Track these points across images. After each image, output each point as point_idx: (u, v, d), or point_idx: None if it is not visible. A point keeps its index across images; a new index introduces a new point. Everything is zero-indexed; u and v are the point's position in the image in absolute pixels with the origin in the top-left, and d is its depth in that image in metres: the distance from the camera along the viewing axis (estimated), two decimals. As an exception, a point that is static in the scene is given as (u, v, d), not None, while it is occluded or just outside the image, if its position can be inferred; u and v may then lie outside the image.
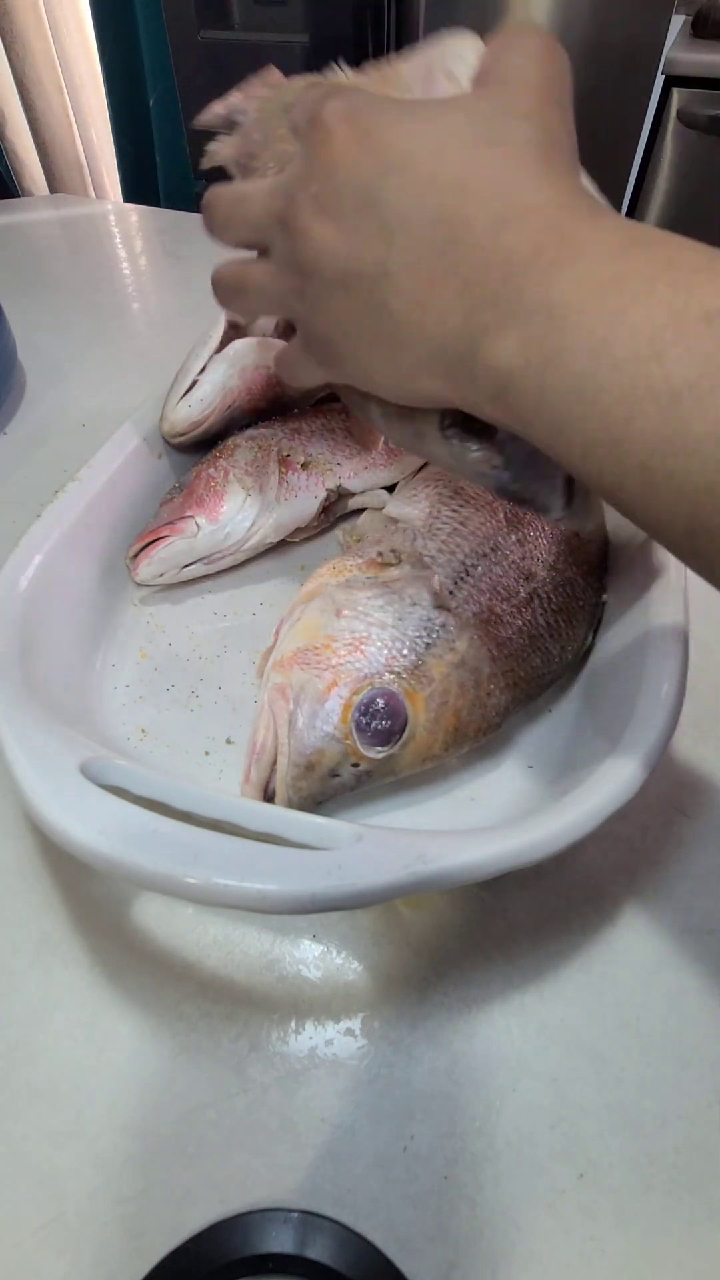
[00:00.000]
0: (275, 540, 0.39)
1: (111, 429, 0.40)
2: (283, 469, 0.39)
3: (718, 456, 0.15)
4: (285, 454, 0.40)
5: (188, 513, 0.37)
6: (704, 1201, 0.21)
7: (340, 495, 0.41)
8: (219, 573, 0.39)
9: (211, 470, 0.38)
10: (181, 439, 0.40)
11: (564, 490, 0.26)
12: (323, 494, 0.40)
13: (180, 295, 0.75)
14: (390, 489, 0.41)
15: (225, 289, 0.28)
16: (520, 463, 0.26)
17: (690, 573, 0.30)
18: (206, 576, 0.39)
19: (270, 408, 0.44)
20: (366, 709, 0.27)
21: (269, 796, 0.27)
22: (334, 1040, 0.24)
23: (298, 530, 0.40)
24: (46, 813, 0.21)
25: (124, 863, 0.20)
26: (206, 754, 0.31)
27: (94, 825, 0.21)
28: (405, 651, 0.29)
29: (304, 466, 0.40)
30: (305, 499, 0.39)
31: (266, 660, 0.30)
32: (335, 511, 0.41)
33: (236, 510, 0.37)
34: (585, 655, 0.33)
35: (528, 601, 0.32)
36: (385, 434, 0.31)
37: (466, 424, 0.27)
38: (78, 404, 0.55)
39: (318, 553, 0.41)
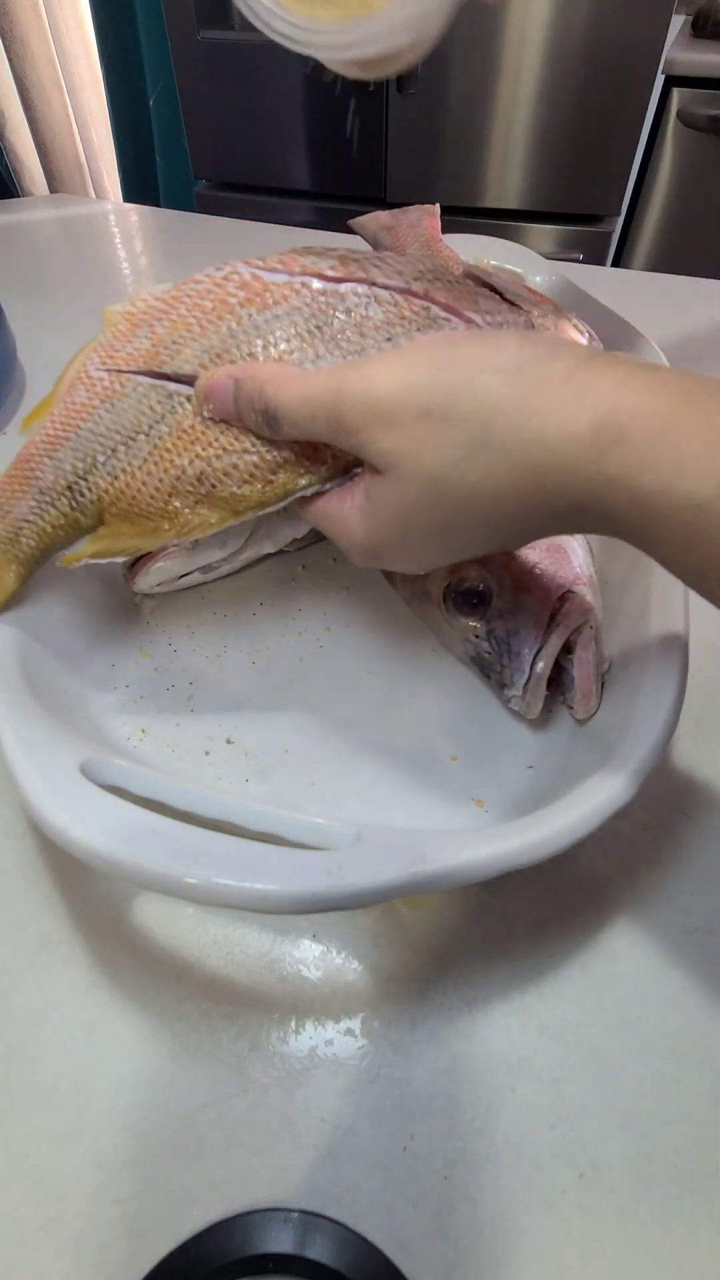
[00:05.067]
0: (272, 551, 0.39)
1: (111, 429, 0.40)
2: None
3: None
4: None
5: None
6: (704, 1201, 0.21)
7: None
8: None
9: None
10: None
11: (527, 677, 0.29)
12: None
13: (180, 295, 0.75)
14: None
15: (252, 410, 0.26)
16: (499, 640, 0.30)
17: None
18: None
19: None
20: None
21: None
22: (334, 1040, 0.24)
23: (294, 541, 0.39)
24: (46, 813, 0.21)
25: (124, 863, 0.20)
26: (206, 754, 0.31)
27: (94, 825, 0.21)
28: None
29: None
30: None
31: None
32: None
33: None
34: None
35: None
36: (397, 587, 0.36)
37: (463, 596, 0.31)
38: (78, 404, 0.55)
39: (319, 554, 0.41)
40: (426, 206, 0.44)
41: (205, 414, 0.27)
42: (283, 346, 0.27)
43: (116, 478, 0.28)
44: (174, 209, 1.01)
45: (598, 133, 1.19)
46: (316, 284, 0.28)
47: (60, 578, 0.33)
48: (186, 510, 0.28)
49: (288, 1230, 0.20)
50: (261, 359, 0.27)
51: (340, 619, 0.37)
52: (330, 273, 0.28)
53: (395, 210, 0.44)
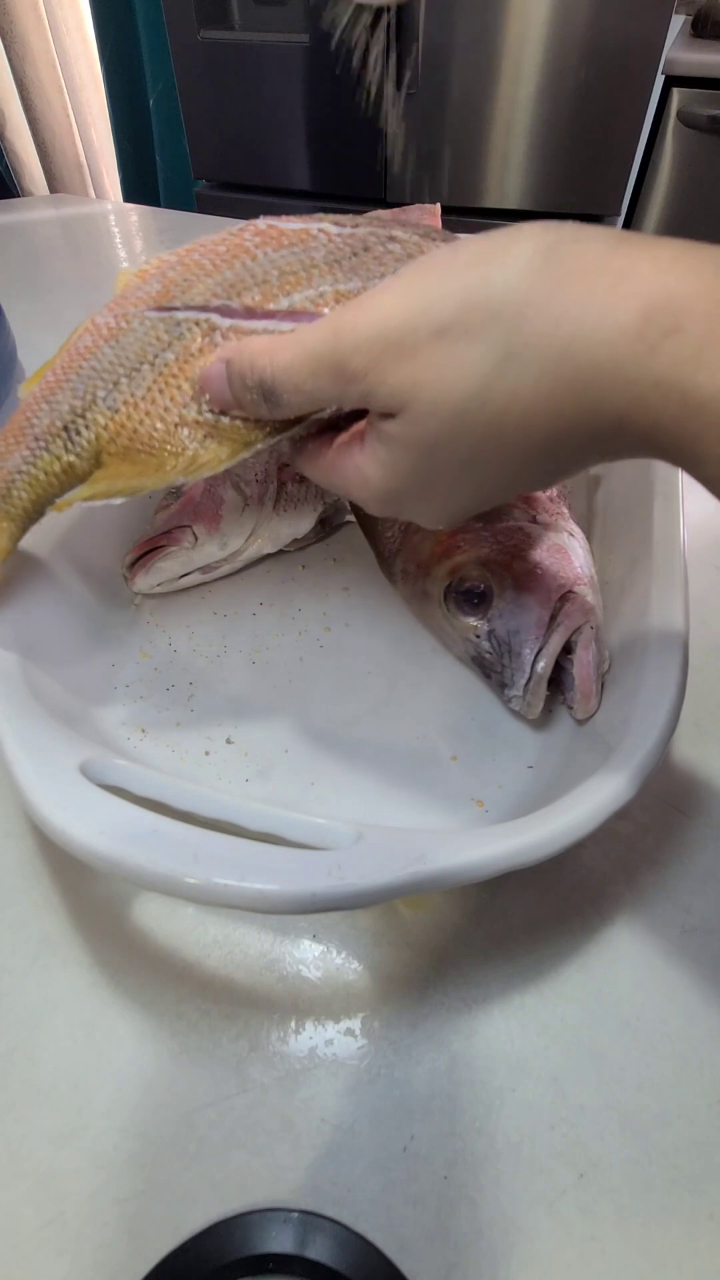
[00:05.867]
0: (272, 550, 0.39)
1: (111, 429, 0.39)
2: (281, 478, 0.39)
3: None
4: (285, 462, 0.39)
5: (185, 522, 0.36)
6: (704, 1201, 0.21)
7: (338, 508, 0.40)
8: (219, 575, 0.39)
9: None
10: None
11: (527, 677, 0.29)
12: (321, 507, 0.39)
13: (180, 295, 0.75)
14: None
15: (245, 386, 0.23)
16: (499, 640, 0.30)
17: (690, 572, 0.30)
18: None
19: None
20: None
21: None
22: (334, 1040, 0.24)
23: (294, 541, 0.39)
24: (46, 813, 0.21)
25: (124, 863, 0.20)
26: (206, 754, 0.31)
27: (94, 825, 0.21)
28: None
29: (303, 479, 0.39)
30: (304, 511, 0.38)
31: None
32: (332, 524, 0.41)
33: (234, 521, 0.36)
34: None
35: None
36: (398, 586, 0.36)
37: (463, 596, 0.31)
38: (78, 404, 0.55)
39: (320, 553, 0.41)
40: (427, 206, 0.44)
41: (205, 407, 0.25)
42: (300, 274, 0.26)
43: (117, 411, 0.26)
44: (174, 209, 1.01)
45: (598, 133, 1.19)
46: (333, 229, 0.26)
47: (61, 577, 0.33)
48: (194, 444, 0.25)
49: (288, 1230, 0.20)
50: (276, 287, 0.25)
51: (340, 619, 0.37)
52: (347, 223, 0.27)
53: (395, 210, 0.44)
